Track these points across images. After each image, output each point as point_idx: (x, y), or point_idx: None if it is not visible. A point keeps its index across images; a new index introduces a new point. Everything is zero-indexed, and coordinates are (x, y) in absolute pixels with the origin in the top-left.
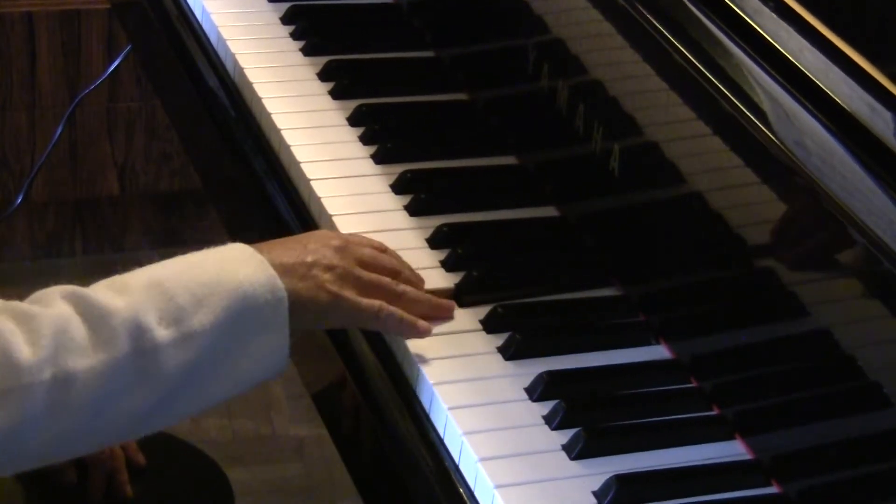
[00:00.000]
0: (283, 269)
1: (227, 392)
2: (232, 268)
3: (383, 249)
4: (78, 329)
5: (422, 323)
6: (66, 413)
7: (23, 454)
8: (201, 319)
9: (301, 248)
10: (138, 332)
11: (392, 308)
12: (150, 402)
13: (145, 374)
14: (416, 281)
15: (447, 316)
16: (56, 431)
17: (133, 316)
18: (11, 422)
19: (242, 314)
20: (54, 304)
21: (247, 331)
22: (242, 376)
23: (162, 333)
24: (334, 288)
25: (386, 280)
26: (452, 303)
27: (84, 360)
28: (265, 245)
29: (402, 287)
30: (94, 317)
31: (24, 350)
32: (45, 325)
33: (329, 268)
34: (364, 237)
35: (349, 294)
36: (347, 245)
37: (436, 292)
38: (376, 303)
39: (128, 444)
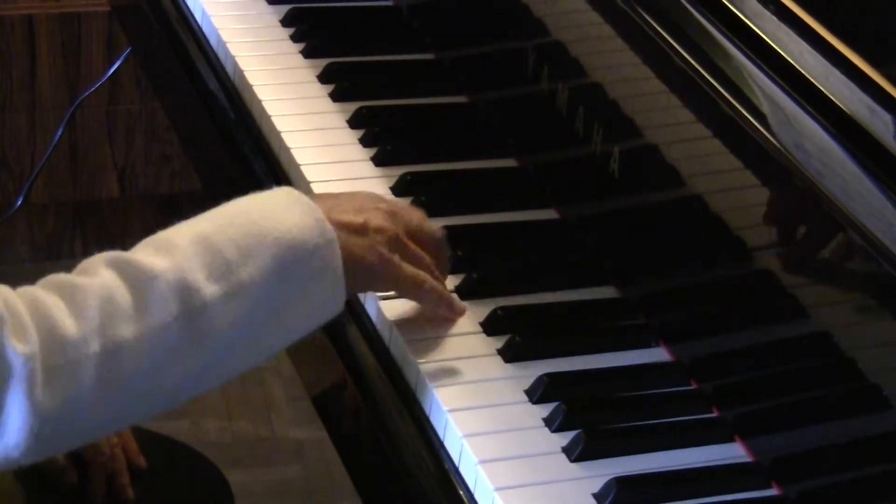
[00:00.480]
0: (335, 223)
1: (284, 341)
2: (279, 214)
3: (424, 220)
4: (123, 296)
5: (458, 303)
6: (118, 384)
7: (77, 431)
8: (250, 271)
9: (352, 206)
10: (186, 292)
11: (435, 283)
12: (205, 361)
13: (197, 334)
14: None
15: (459, 313)
16: (110, 404)
17: (179, 276)
18: (63, 399)
19: (293, 261)
20: (99, 273)
21: (299, 277)
22: (299, 324)
23: (210, 290)
24: (384, 251)
25: (427, 260)
26: (463, 305)
27: (132, 327)
28: (316, 195)
29: (436, 276)
30: (139, 282)
31: (68, 324)
32: (90, 296)
33: (379, 230)
34: (409, 205)
35: (396, 259)
36: (397, 211)
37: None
38: (421, 273)
39: (128, 446)
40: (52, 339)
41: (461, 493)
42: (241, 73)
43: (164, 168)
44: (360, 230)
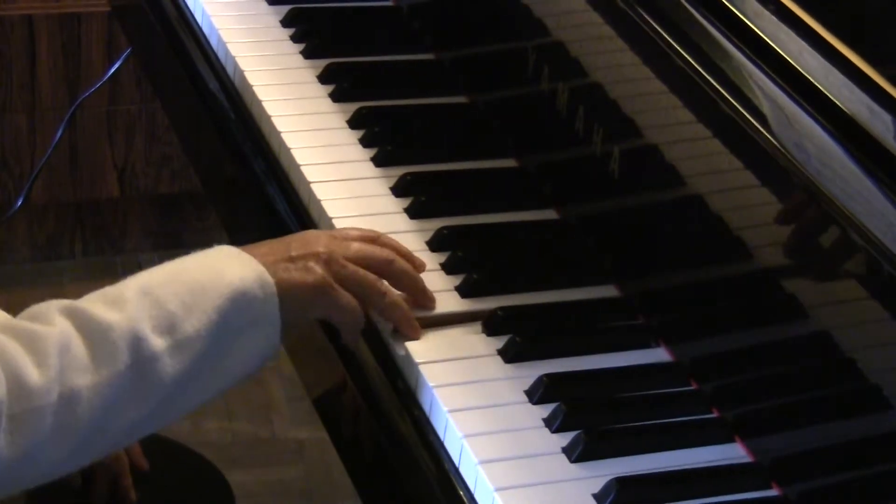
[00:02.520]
0: (270, 263)
1: (222, 387)
2: (219, 268)
3: (374, 238)
4: (79, 346)
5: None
6: (72, 430)
7: (32, 475)
8: (194, 324)
9: (285, 246)
10: (136, 343)
11: (370, 311)
12: (151, 407)
13: (145, 383)
14: (410, 269)
15: (430, 306)
16: (63, 449)
17: (130, 327)
18: (24, 445)
19: (234, 312)
20: (54, 322)
21: (239, 328)
22: (237, 370)
23: (157, 342)
24: (320, 270)
25: (371, 278)
26: (433, 298)
27: (87, 377)
28: (251, 246)
29: (386, 287)
30: (93, 332)
31: (33, 373)
32: (50, 346)
33: (314, 255)
34: (354, 229)
35: (333, 282)
36: (332, 243)
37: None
38: (355, 301)
39: (131, 448)
40: (18, 387)
41: (461, 493)
42: (241, 73)
43: (164, 168)
44: (293, 262)
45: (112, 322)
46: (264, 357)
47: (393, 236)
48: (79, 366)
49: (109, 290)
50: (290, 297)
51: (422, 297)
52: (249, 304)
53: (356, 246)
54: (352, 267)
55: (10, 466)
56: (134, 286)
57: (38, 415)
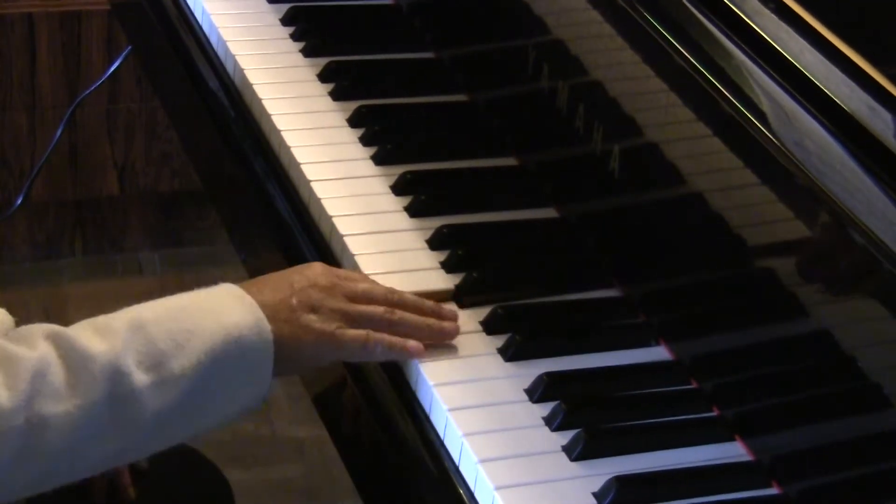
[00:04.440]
0: (270, 311)
1: (200, 430)
2: (218, 310)
3: (376, 293)
4: (57, 373)
5: (412, 344)
6: (36, 458)
7: None
8: (182, 363)
9: (288, 287)
10: (117, 376)
11: (378, 335)
12: (126, 442)
13: (121, 419)
14: (420, 309)
15: (450, 337)
16: (27, 476)
17: (113, 360)
18: None
19: (226, 358)
20: (37, 345)
21: (230, 374)
22: (219, 416)
23: (140, 378)
24: (318, 326)
25: (379, 310)
26: (456, 326)
27: (59, 405)
28: (255, 283)
29: (399, 314)
30: (73, 360)
31: (1, 394)
32: (24, 369)
33: (314, 308)
34: (359, 275)
35: (335, 329)
36: (337, 282)
37: (434, 294)
38: (361, 333)
39: None
40: None
41: (461, 492)
42: (240, 71)
43: (164, 167)
44: (292, 314)
45: (95, 353)
46: (248, 407)
47: (393, 235)
48: (52, 393)
49: (101, 320)
50: (289, 351)
51: (439, 335)
52: (243, 352)
53: (362, 287)
54: (354, 308)
55: None
56: (127, 318)
57: (1, 437)
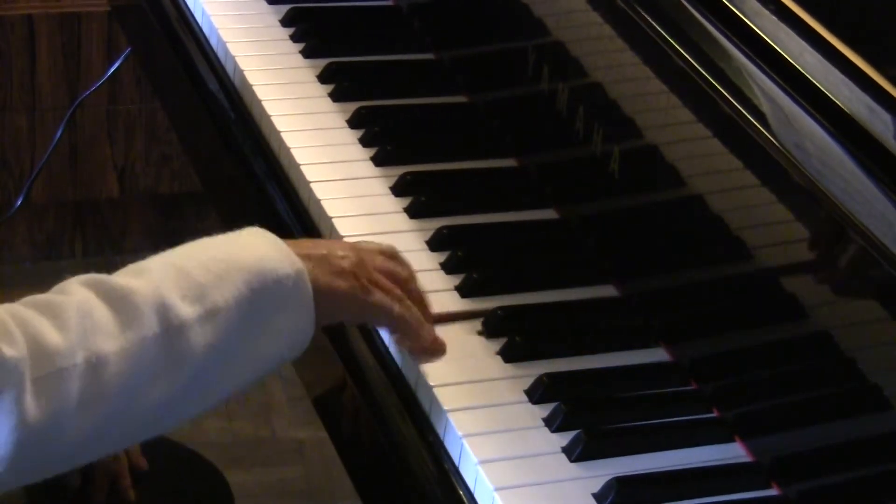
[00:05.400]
0: (301, 254)
1: (254, 372)
2: (249, 245)
3: (394, 256)
4: (102, 312)
5: (433, 332)
6: (99, 400)
7: (57, 451)
8: (224, 295)
9: (314, 244)
10: (163, 310)
11: (407, 307)
12: (182, 383)
13: (175, 353)
14: (422, 293)
15: (439, 351)
16: (92, 420)
17: (156, 293)
18: (49, 411)
19: (264, 288)
20: (75, 292)
21: (271, 305)
22: (269, 354)
23: (187, 310)
24: (351, 278)
25: (397, 291)
26: (443, 344)
27: (113, 341)
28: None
29: (410, 306)
30: (116, 298)
31: (53, 335)
32: (70, 312)
33: (344, 258)
34: (375, 244)
35: (365, 283)
36: (360, 249)
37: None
38: (388, 301)
39: (131, 448)
40: (38, 349)
41: (461, 492)
42: (241, 73)
43: (164, 168)
44: (324, 260)
45: (136, 287)
46: (298, 343)
47: (393, 236)
48: (103, 330)
49: (132, 266)
50: (322, 295)
51: (426, 320)
52: (280, 282)
53: (381, 259)
54: (378, 276)
55: (37, 432)
56: (159, 259)
57: (63, 377)
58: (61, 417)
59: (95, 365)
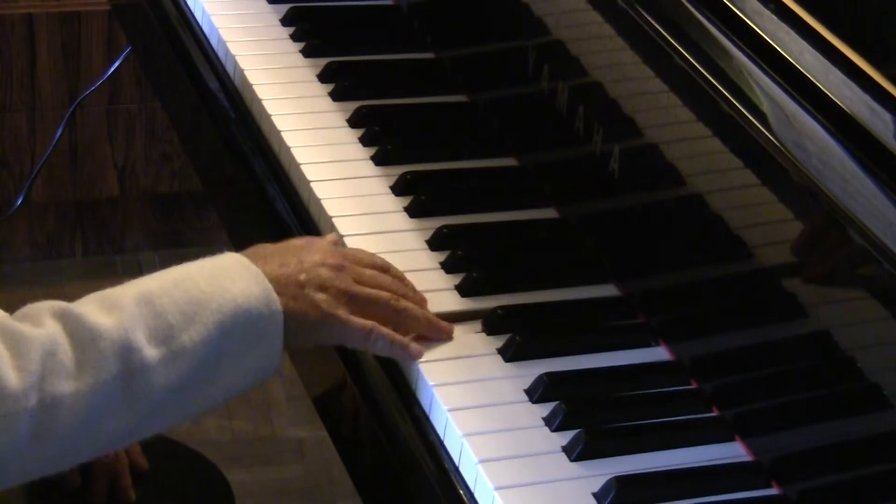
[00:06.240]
0: (278, 285)
1: (215, 402)
2: (225, 281)
3: (386, 268)
4: (65, 352)
5: (413, 346)
6: (49, 438)
7: (9, 480)
8: (192, 336)
9: (297, 263)
10: (127, 353)
11: (384, 330)
12: (139, 418)
13: (132, 395)
14: (419, 301)
15: (446, 337)
16: (38, 455)
17: (122, 336)
18: None
19: (235, 329)
20: (44, 323)
21: (240, 345)
22: (232, 387)
23: (151, 353)
24: (326, 307)
25: (385, 296)
26: (451, 325)
27: (70, 384)
28: (259, 254)
29: (404, 303)
30: (82, 338)
31: (10, 376)
32: (33, 349)
33: (323, 287)
34: (367, 254)
35: (341, 313)
36: (346, 263)
37: (451, 316)
38: (368, 323)
39: (131, 447)
40: None
41: (461, 492)
42: (241, 72)
43: (164, 167)
44: (301, 290)
45: (103, 329)
46: (261, 377)
47: (393, 235)
48: (62, 372)
49: (108, 294)
50: (296, 325)
51: (436, 331)
52: (253, 323)
53: (369, 272)
54: (363, 291)
55: None
56: (134, 291)
57: (13, 419)
58: (5, 454)
59: (49, 406)
